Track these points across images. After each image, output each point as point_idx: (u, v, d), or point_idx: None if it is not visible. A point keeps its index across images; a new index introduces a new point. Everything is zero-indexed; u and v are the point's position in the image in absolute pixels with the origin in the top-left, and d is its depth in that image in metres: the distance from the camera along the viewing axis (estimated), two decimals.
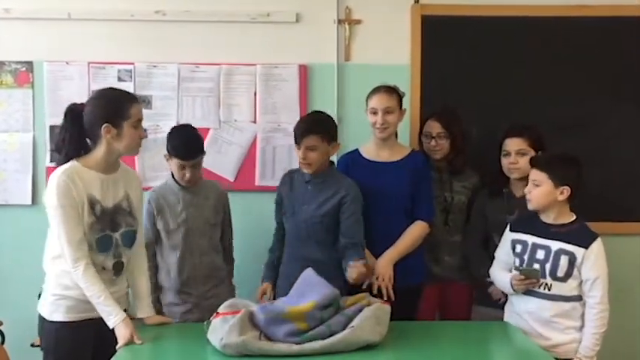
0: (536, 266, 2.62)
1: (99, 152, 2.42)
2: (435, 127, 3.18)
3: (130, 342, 2.32)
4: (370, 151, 3.05)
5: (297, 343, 2.25)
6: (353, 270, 2.67)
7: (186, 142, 2.91)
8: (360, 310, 2.38)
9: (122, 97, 2.46)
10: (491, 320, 2.88)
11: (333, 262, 2.80)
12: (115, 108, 2.41)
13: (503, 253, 2.79)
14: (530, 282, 2.59)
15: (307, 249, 2.86)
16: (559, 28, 3.52)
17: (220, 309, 2.42)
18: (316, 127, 2.82)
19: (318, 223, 2.83)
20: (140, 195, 2.62)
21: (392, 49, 3.52)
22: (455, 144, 3.18)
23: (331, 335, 2.27)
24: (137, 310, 2.58)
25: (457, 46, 3.53)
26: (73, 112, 2.43)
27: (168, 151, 2.94)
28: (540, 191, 2.63)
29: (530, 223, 2.71)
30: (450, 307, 3.20)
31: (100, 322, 2.39)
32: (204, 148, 2.97)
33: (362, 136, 3.16)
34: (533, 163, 2.71)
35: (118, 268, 2.49)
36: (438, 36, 3.51)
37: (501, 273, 2.76)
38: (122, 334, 2.33)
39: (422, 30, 3.51)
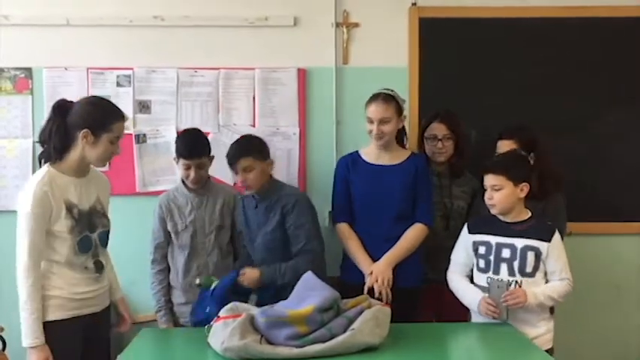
0: (504, 265, 2.64)
1: (72, 157, 2.46)
2: (441, 129, 3.17)
3: None
4: (370, 154, 3.04)
5: (297, 347, 2.25)
6: (243, 278, 2.80)
7: (189, 142, 3.02)
8: (361, 313, 2.38)
9: (110, 111, 2.50)
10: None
11: None
12: (99, 118, 2.45)
13: (463, 255, 2.78)
14: (496, 311, 2.57)
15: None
16: (558, 30, 3.52)
17: (221, 313, 2.42)
18: (248, 149, 2.90)
19: (278, 240, 2.89)
20: (108, 197, 2.68)
21: (390, 52, 3.53)
22: (458, 145, 3.19)
23: (332, 338, 2.27)
24: (111, 295, 2.67)
25: (455, 48, 3.53)
26: (61, 108, 2.46)
27: (175, 153, 3.04)
28: (504, 194, 2.65)
29: (490, 223, 2.72)
30: (447, 311, 3.17)
31: (88, 319, 2.45)
32: (211, 152, 3.06)
33: (360, 139, 3.16)
34: (487, 169, 2.71)
35: (99, 266, 2.55)
36: (436, 38, 3.52)
37: (466, 285, 2.74)
38: (39, 357, 2.36)
39: (420, 32, 3.51)
